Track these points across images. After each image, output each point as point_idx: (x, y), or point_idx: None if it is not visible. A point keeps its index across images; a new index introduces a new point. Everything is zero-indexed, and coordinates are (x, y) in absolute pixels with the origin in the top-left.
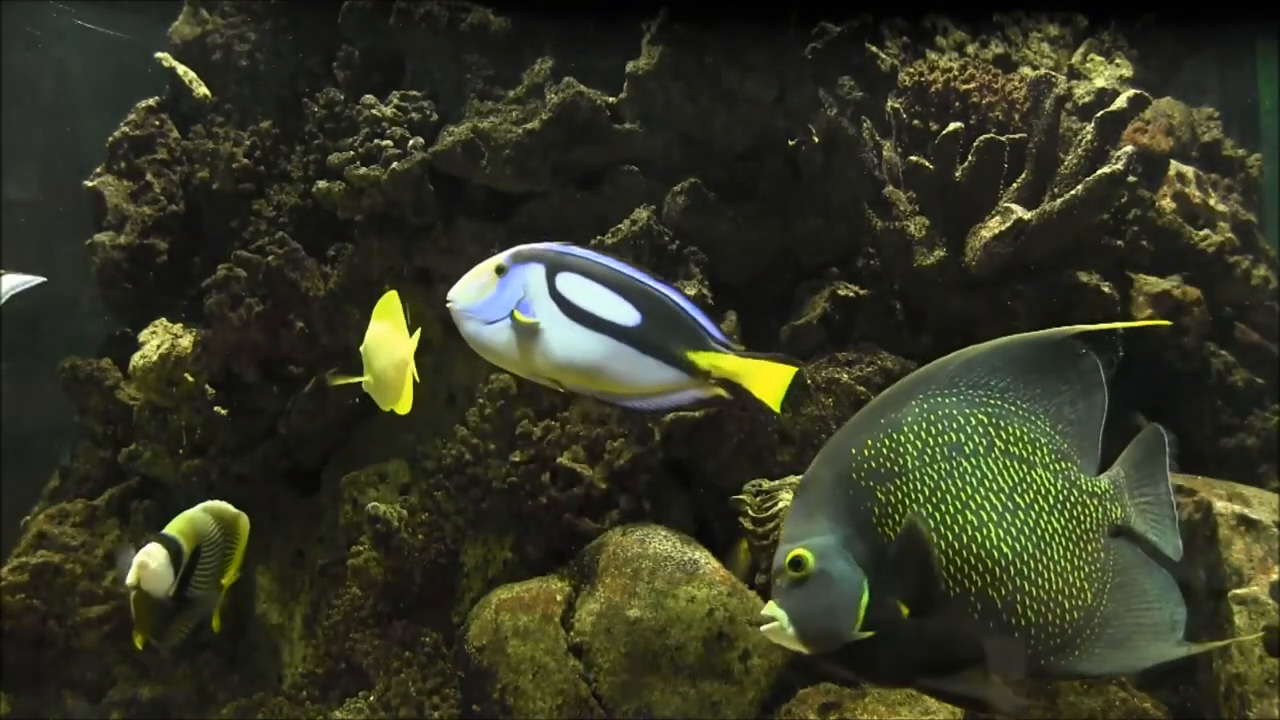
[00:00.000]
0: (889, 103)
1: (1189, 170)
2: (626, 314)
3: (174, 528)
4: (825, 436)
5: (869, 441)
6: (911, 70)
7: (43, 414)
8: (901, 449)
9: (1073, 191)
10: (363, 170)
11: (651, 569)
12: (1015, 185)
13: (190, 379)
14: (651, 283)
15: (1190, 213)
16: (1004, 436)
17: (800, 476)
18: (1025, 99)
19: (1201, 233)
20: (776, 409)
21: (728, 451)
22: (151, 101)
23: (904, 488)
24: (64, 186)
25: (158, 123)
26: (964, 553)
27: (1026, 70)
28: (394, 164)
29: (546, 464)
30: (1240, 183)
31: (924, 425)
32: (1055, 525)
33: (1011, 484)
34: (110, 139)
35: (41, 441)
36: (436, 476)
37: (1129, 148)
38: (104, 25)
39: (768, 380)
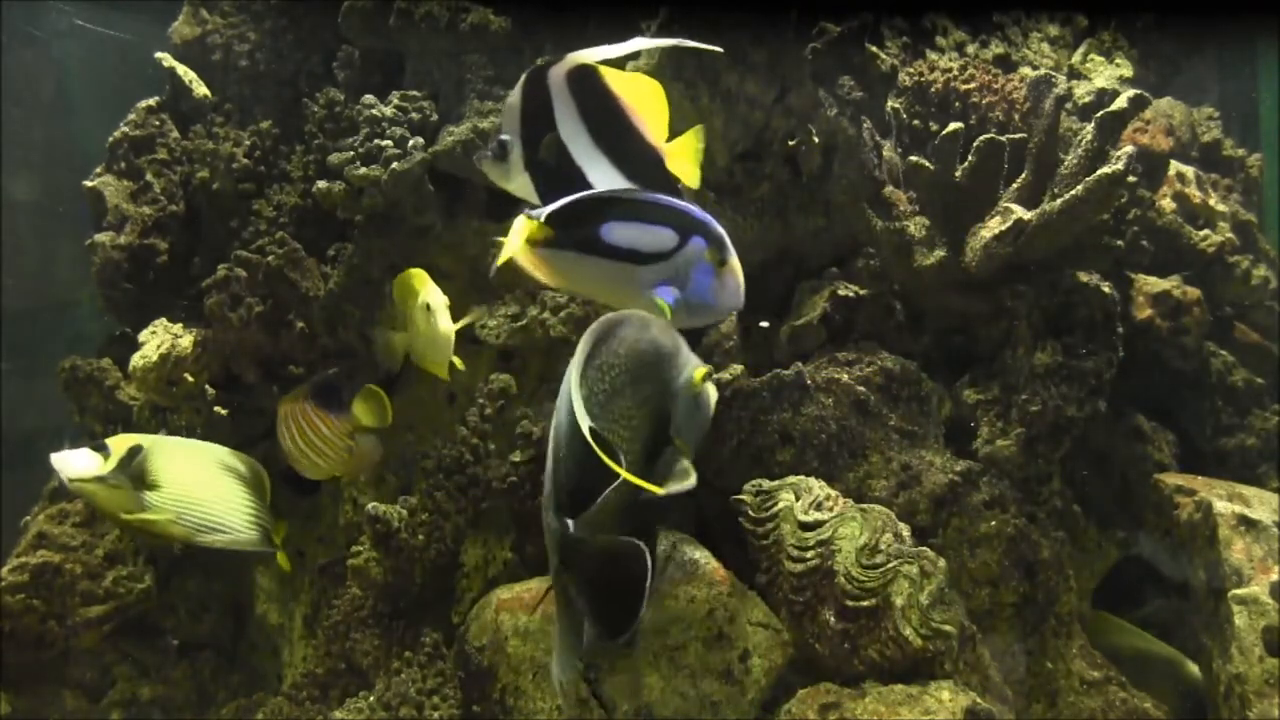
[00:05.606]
0: (889, 103)
1: (1189, 170)
2: None
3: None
4: (825, 437)
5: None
6: (911, 70)
7: (43, 414)
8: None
9: (1073, 192)
10: (363, 170)
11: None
12: (1015, 185)
13: (190, 379)
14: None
15: (1190, 213)
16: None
17: (800, 477)
18: (1025, 99)
19: (1201, 233)
20: None
21: (728, 451)
22: (151, 101)
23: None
24: (64, 186)
25: (158, 123)
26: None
27: (1026, 70)
28: (394, 164)
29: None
30: (1240, 183)
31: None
32: None
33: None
34: (110, 139)
35: (42, 441)
36: (436, 476)
37: (1129, 148)
38: (104, 25)
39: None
